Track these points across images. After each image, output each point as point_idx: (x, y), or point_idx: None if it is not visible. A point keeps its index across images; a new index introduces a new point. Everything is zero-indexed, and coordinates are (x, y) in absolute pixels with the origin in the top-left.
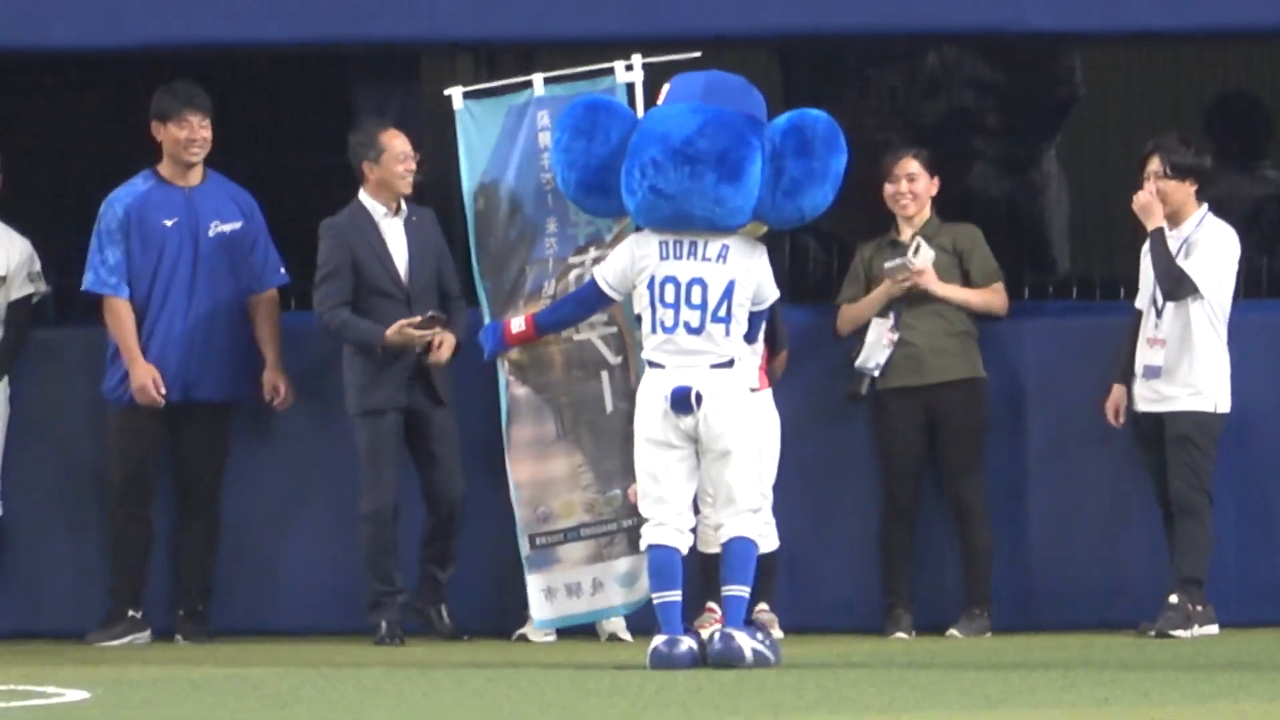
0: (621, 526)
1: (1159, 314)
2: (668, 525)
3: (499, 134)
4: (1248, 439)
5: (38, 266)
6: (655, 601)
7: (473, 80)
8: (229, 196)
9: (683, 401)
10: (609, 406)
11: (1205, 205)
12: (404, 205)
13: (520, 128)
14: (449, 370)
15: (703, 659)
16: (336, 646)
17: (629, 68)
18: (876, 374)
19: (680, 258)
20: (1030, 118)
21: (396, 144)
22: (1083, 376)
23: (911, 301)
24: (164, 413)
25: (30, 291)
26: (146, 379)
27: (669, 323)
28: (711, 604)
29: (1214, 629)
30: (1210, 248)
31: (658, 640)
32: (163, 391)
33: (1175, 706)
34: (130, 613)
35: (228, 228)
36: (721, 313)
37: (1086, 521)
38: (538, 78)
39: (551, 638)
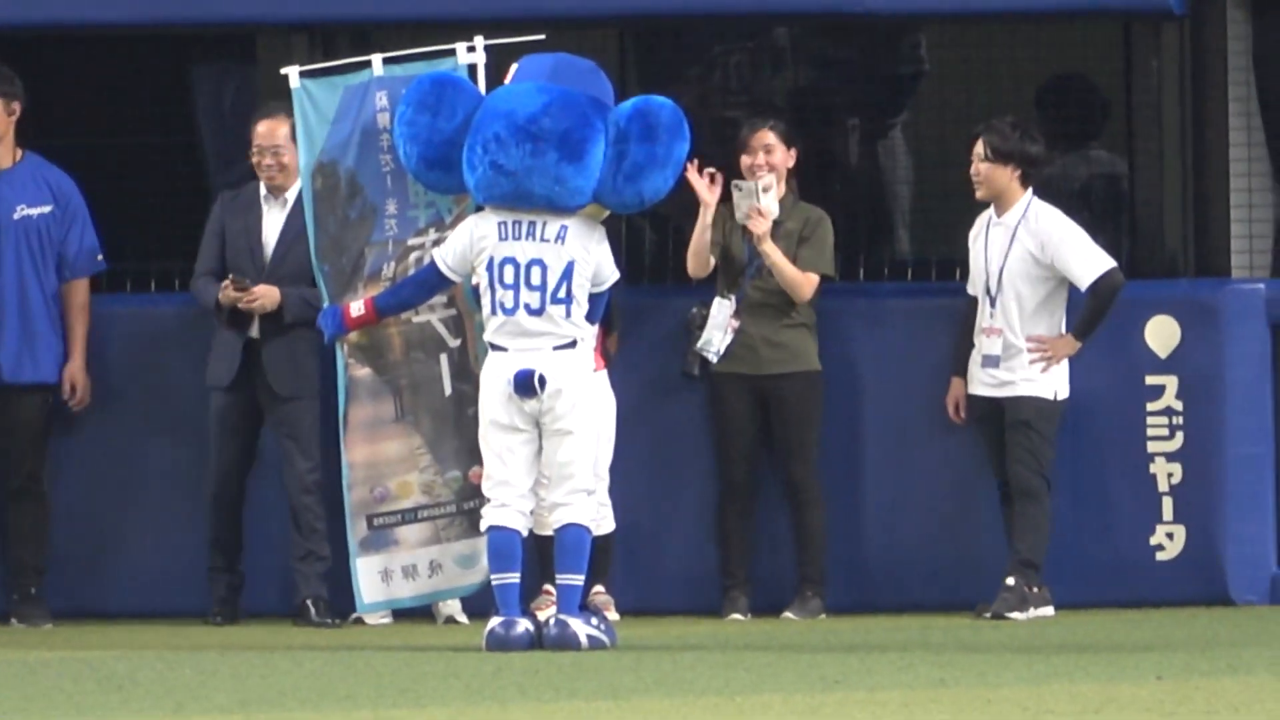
0: (461, 509)
1: (994, 303)
2: (509, 507)
3: (336, 114)
4: (1081, 424)
5: None
6: (494, 583)
7: (307, 61)
8: (41, 180)
9: (526, 384)
10: (447, 389)
11: (1030, 191)
12: (292, 194)
13: (358, 108)
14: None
15: (539, 642)
16: (175, 629)
17: (471, 49)
18: (715, 359)
19: (519, 238)
20: (876, 96)
21: (260, 131)
22: (920, 358)
23: (753, 296)
24: None
25: None
26: None
27: (509, 304)
28: (548, 587)
29: (1050, 611)
30: (1066, 238)
31: (494, 622)
32: None
33: (1012, 688)
34: None
35: (35, 212)
36: (561, 294)
37: (923, 503)
38: (377, 58)
39: (388, 620)
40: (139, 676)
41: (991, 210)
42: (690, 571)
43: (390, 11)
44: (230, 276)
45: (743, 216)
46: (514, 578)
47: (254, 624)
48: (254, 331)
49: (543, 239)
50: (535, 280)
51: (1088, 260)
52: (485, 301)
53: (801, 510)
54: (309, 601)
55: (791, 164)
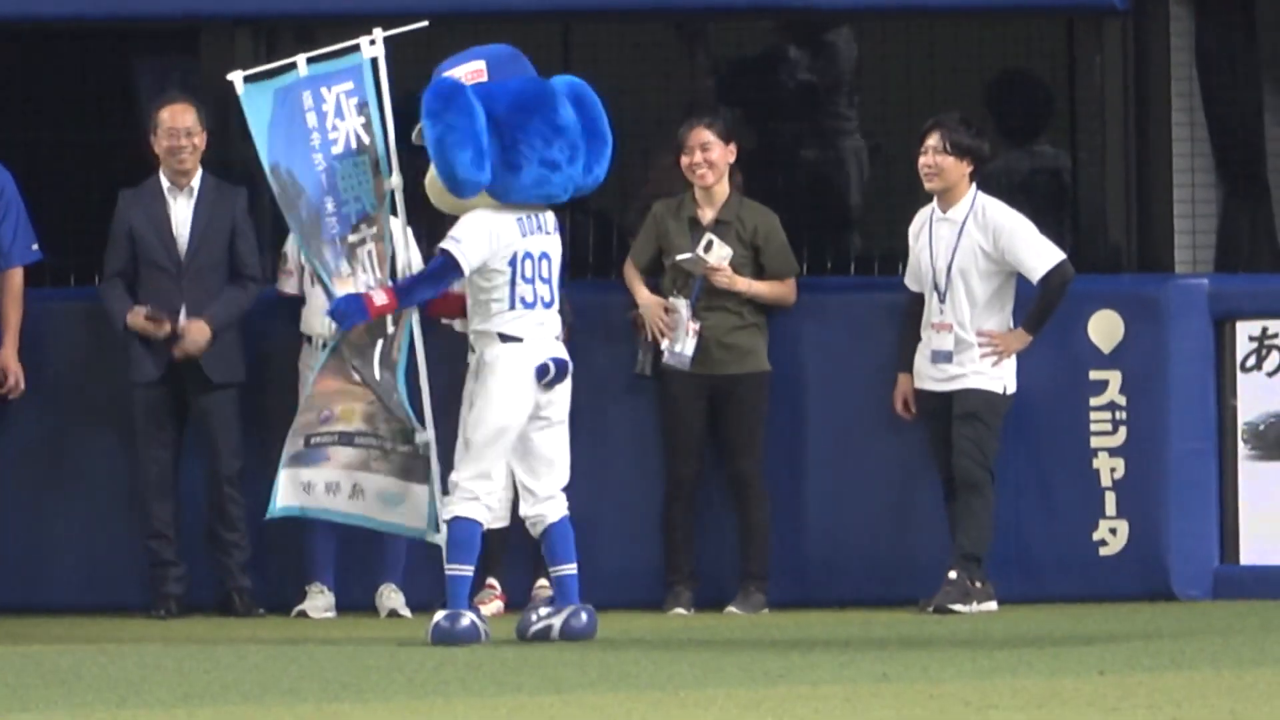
0: (395, 449)
1: (943, 298)
2: (480, 501)
3: (270, 118)
4: (1025, 419)
5: None
6: (450, 573)
7: (251, 56)
8: None
9: (556, 373)
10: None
11: (974, 185)
12: (198, 181)
13: (288, 111)
14: (237, 350)
15: (483, 636)
16: (117, 622)
17: (372, 42)
18: (687, 366)
19: (532, 233)
20: (819, 92)
21: (165, 117)
22: (864, 354)
23: (706, 293)
24: None
25: None
26: None
27: (529, 298)
28: (492, 580)
29: (993, 605)
30: (1017, 231)
31: (440, 615)
32: None
33: (955, 682)
34: None
35: None
36: (557, 284)
37: (865, 498)
38: (301, 59)
39: (332, 614)
40: (81, 670)
41: (935, 206)
42: (633, 566)
43: (331, 6)
44: (146, 307)
45: (700, 276)
46: (469, 571)
47: (192, 618)
48: (182, 320)
49: (546, 231)
50: (545, 273)
51: (1039, 253)
52: (499, 295)
53: (746, 505)
54: (233, 593)
55: (731, 159)
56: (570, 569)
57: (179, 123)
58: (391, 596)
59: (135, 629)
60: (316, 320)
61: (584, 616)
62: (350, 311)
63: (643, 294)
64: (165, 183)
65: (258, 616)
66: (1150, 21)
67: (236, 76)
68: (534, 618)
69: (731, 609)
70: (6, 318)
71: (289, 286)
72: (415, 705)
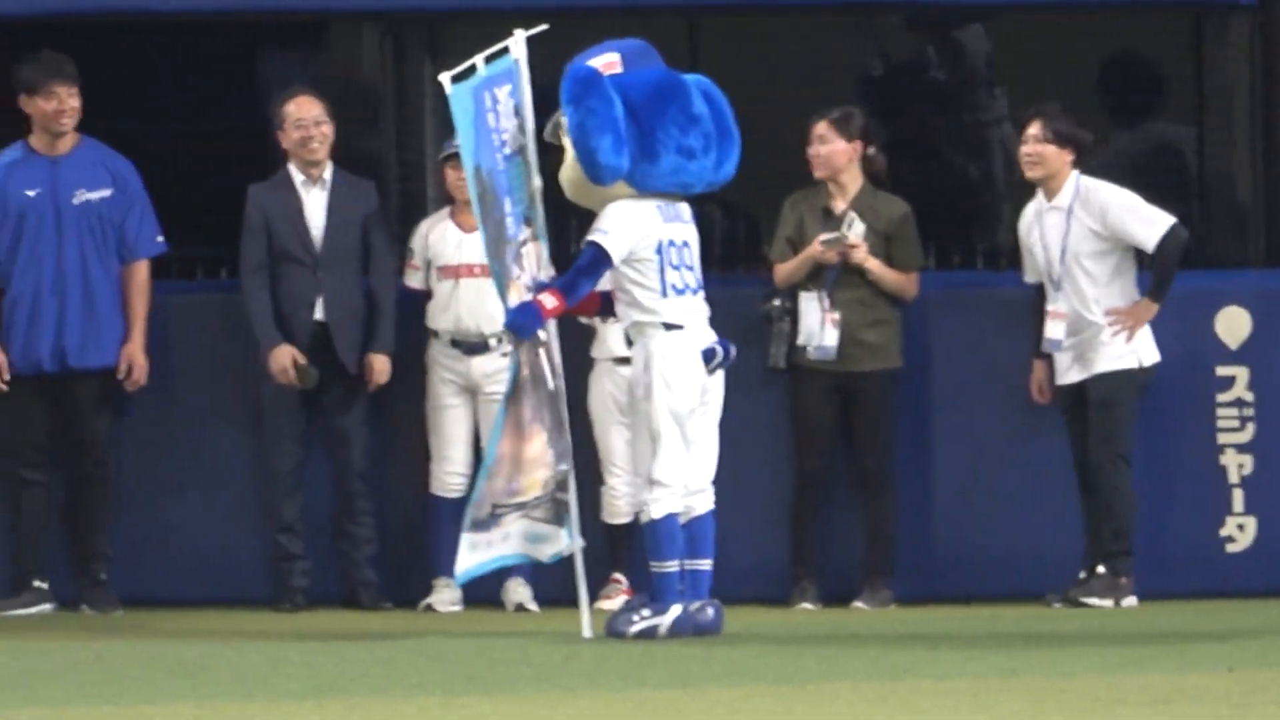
0: (552, 497)
1: (1058, 286)
2: (676, 489)
3: (473, 119)
4: (1152, 416)
5: None
6: (658, 571)
7: (378, 51)
8: (101, 164)
9: (723, 356)
10: (550, 383)
11: (1076, 172)
12: (329, 174)
13: (480, 112)
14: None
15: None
16: (244, 615)
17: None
18: (832, 357)
19: (672, 220)
20: (956, 86)
21: (291, 110)
22: (992, 349)
23: (839, 286)
24: (45, 381)
25: None
26: None
27: (679, 284)
28: (617, 575)
29: (1133, 600)
30: (1124, 204)
31: (691, 608)
32: (6, 377)
33: (1082, 678)
34: (35, 582)
35: (94, 196)
36: (700, 270)
37: (993, 493)
38: (479, 59)
39: (458, 608)
40: (209, 663)
41: (1040, 198)
42: (761, 561)
43: (454, 1)
44: (305, 361)
45: (839, 255)
46: (678, 565)
47: (318, 611)
48: (319, 313)
49: (683, 220)
50: (689, 260)
51: (1148, 222)
52: (650, 284)
53: (873, 500)
54: (360, 587)
55: (854, 156)
56: (707, 564)
57: (306, 113)
58: (518, 590)
59: (262, 622)
60: (442, 316)
61: (711, 612)
62: (526, 322)
63: (800, 256)
64: (297, 176)
65: (384, 610)
66: (1278, 14)
67: (445, 77)
68: (635, 618)
69: (858, 604)
70: (133, 310)
71: (415, 281)
72: (541, 699)
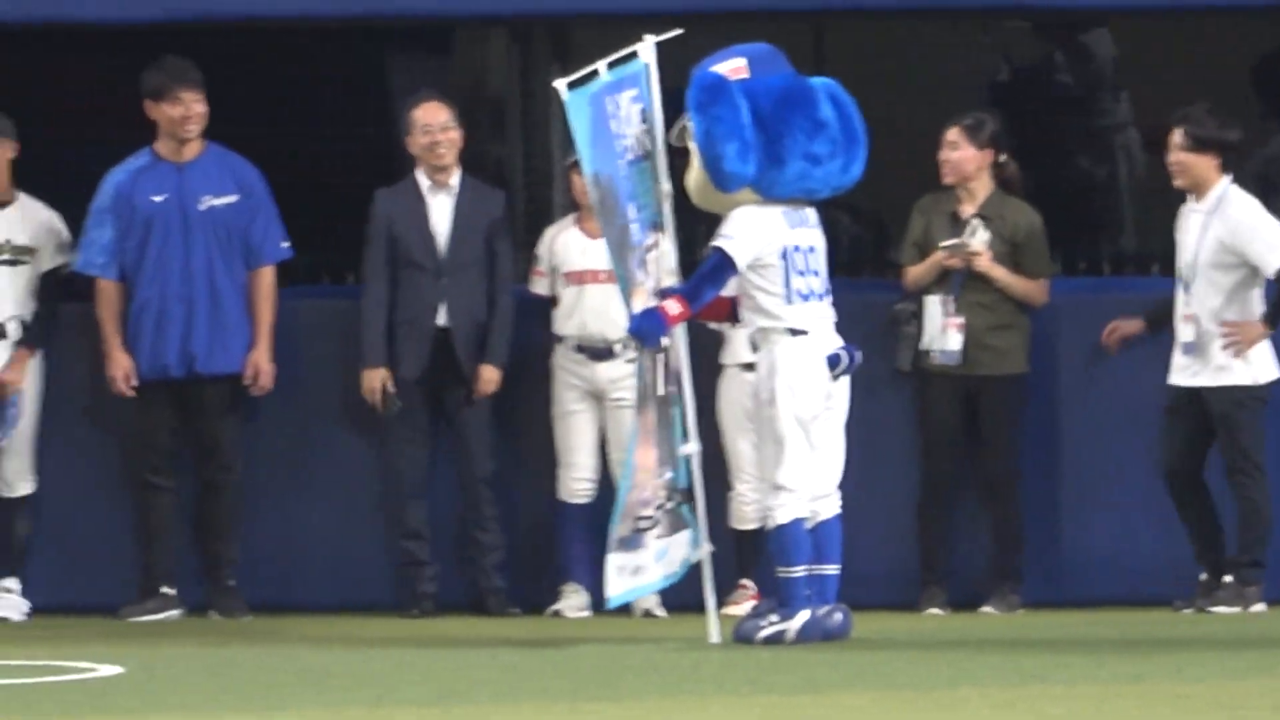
0: (665, 509)
1: (1187, 289)
2: (802, 494)
3: (590, 125)
4: (1273, 418)
5: (66, 237)
6: (785, 576)
7: (505, 56)
8: (226, 170)
9: (849, 362)
10: (660, 388)
11: (1227, 178)
12: (456, 180)
13: (599, 117)
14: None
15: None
16: (370, 621)
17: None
18: (955, 361)
19: (798, 225)
20: (1086, 91)
21: (419, 115)
22: (1118, 355)
23: (965, 290)
24: (174, 387)
25: (61, 262)
26: (117, 371)
27: (804, 290)
28: (745, 580)
29: (1262, 607)
30: (1253, 225)
31: (819, 613)
32: (133, 384)
33: (1207, 683)
34: (163, 588)
35: (220, 202)
36: (825, 275)
37: (1120, 499)
38: (602, 65)
39: (586, 614)
40: (336, 669)
41: (1191, 198)
42: (889, 565)
43: (582, 6)
44: (393, 392)
45: (962, 262)
46: (805, 570)
47: (445, 617)
48: (441, 319)
49: (809, 225)
50: (814, 265)
51: (1271, 248)
52: (775, 290)
53: (1000, 506)
54: (487, 593)
55: (985, 163)
56: (834, 569)
57: (434, 119)
58: (647, 596)
59: (389, 628)
60: (568, 321)
61: (839, 616)
62: (650, 328)
63: (927, 261)
64: (424, 182)
65: (511, 616)
66: None
67: (561, 84)
68: (763, 623)
69: (986, 609)
70: (259, 315)
71: (540, 288)
72: (670, 705)
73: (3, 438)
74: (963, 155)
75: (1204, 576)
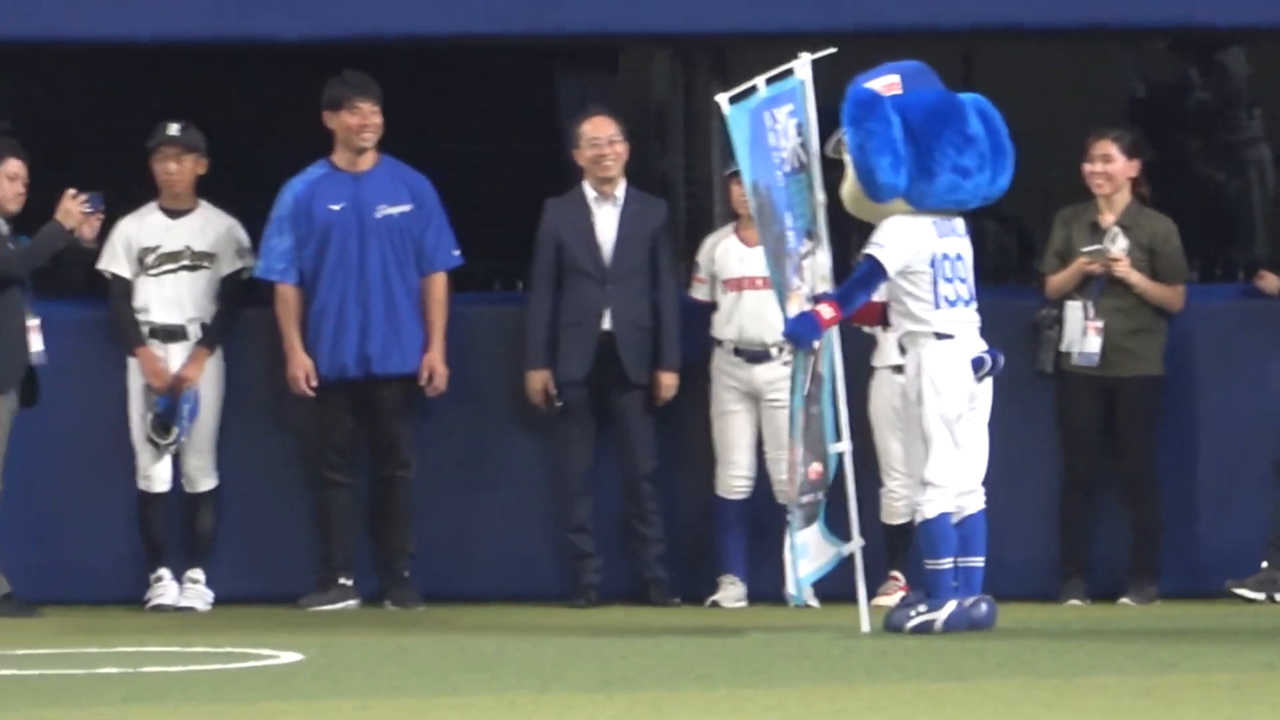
0: (809, 504)
1: None
2: (950, 490)
3: (749, 138)
4: None
5: (245, 243)
6: (933, 569)
7: (668, 74)
8: (400, 181)
9: (992, 365)
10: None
11: None
12: (621, 191)
13: (759, 131)
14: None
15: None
16: (541, 611)
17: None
18: (1094, 362)
19: (947, 235)
20: (1215, 108)
21: (587, 129)
22: (1251, 356)
23: (1104, 295)
24: (352, 388)
25: (240, 266)
26: (298, 371)
27: (952, 296)
28: (895, 572)
29: None
30: None
31: (967, 603)
32: (313, 383)
33: None
34: (341, 579)
35: (395, 211)
36: (972, 282)
37: (1254, 494)
38: (760, 81)
39: (743, 604)
40: (506, 656)
41: None
42: (1031, 559)
43: (741, 25)
44: (548, 394)
45: (1102, 268)
46: (951, 562)
47: (609, 607)
48: (606, 324)
49: (958, 234)
50: (961, 272)
51: None
52: (923, 295)
53: (1140, 503)
54: (649, 584)
55: (1132, 174)
56: (979, 561)
57: (601, 132)
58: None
59: (556, 617)
60: (726, 326)
61: (984, 607)
62: (805, 332)
63: (1069, 269)
64: (591, 192)
65: (672, 606)
66: None
67: (723, 98)
68: (912, 613)
69: (1125, 600)
70: (432, 320)
71: (701, 294)
72: (822, 690)
73: (180, 435)
74: (1118, 167)
75: (1264, 565)
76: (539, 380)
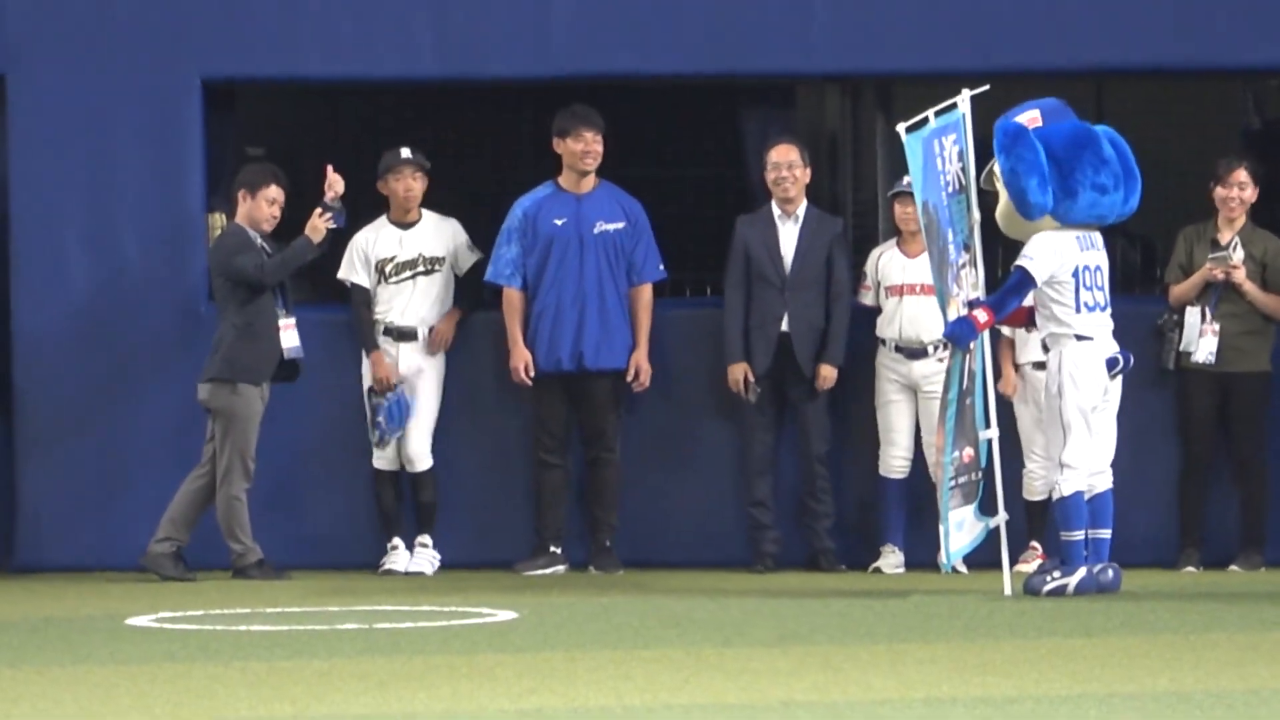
0: (958, 483)
1: None
2: (1083, 470)
3: (922, 163)
4: None
5: (467, 239)
6: (1067, 539)
7: (839, 109)
8: (615, 202)
9: (1124, 364)
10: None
11: None
12: (802, 210)
13: (929, 156)
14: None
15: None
16: (725, 576)
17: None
18: (1210, 360)
19: (1088, 249)
20: None
21: (773, 156)
22: None
23: (1222, 300)
24: (566, 380)
25: (476, 259)
26: (519, 363)
27: (1091, 303)
28: (1034, 543)
29: None
30: None
31: (1094, 570)
32: (531, 374)
33: None
34: (552, 547)
35: (611, 228)
36: (1107, 290)
37: None
38: (930, 113)
39: (901, 570)
40: (694, 615)
41: None
42: (1153, 532)
43: (901, 66)
44: (748, 381)
45: (1222, 273)
46: (1083, 534)
47: (785, 573)
48: (784, 326)
49: (1097, 248)
50: (1099, 282)
51: None
52: (1067, 301)
53: (1249, 482)
54: (819, 553)
55: (1254, 199)
56: (1107, 533)
57: (783, 158)
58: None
59: (738, 581)
60: (889, 326)
61: (1111, 573)
62: (963, 333)
63: (1192, 278)
64: (776, 211)
65: (840, 572)
66: None
67: (901, 128)
68: (1048, 579)
69: (1234, 567)
70: (639, 324)
71: (867, 299)
72: (969, 646)
73: (394, 433)
74: (1249, 194)
75: None
76: (739, 370)
